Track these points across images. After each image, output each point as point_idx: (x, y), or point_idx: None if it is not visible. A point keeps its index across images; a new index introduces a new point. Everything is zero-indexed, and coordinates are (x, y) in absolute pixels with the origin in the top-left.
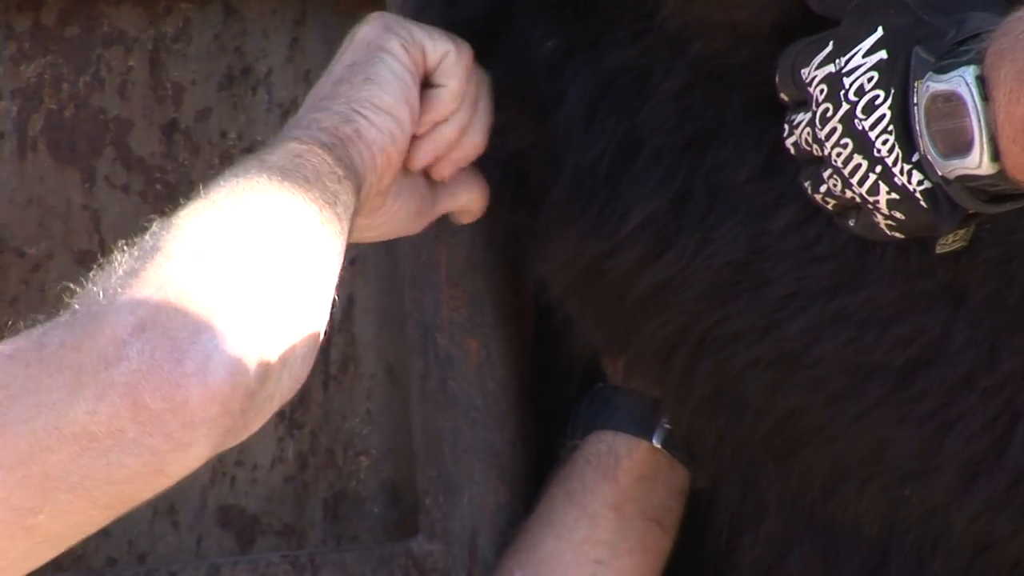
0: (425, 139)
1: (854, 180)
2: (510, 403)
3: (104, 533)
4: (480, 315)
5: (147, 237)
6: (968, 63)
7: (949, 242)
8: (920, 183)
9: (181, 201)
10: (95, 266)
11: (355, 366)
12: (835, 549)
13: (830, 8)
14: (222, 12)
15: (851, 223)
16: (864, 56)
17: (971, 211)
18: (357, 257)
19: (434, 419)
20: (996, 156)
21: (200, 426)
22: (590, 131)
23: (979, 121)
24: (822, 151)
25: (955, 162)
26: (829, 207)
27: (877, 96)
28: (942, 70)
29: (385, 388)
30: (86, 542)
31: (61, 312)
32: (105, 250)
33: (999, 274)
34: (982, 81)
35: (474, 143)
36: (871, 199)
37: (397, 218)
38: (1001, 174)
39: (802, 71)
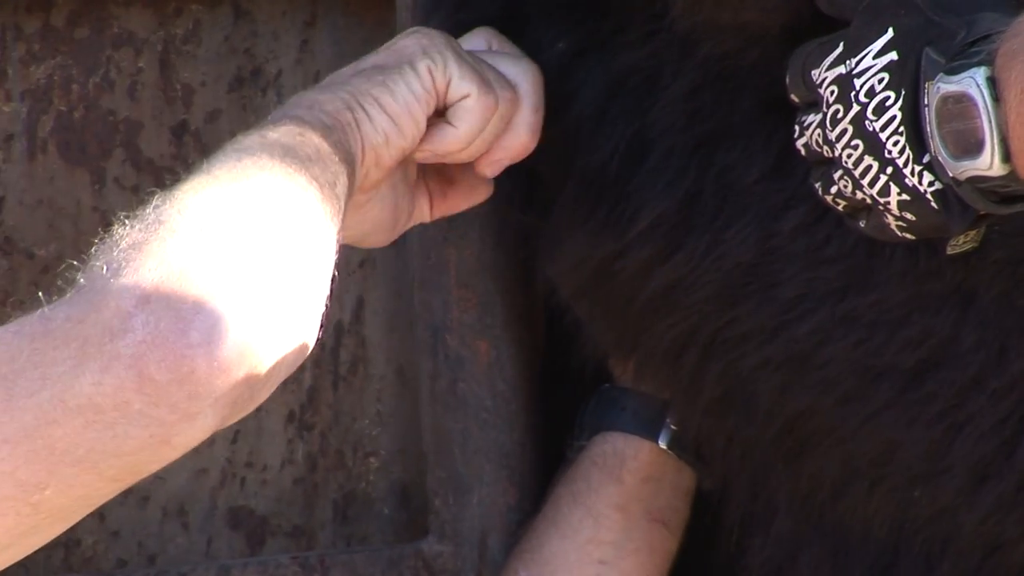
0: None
1: (865, 181)
2: (520, 404)
3: (114, 534)
4: (490, 316)
5: (149, 210)
6: (979, 64)
7: (959, 243)
8: (931, 184)
9: (182, 175)
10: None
11: (365, 367)
12: (845, 550)
13: (840, 9)
14: (232, 14)
15: (861, 224)
16: (875, 57)
17: (982, 212)
18: (367, 259)
19: (444, 420)
20: (1007, 157)
21: (206, 397)
22: (600, 132)
23: (990, 122)
24: (832, 152)
25: (966, 163)
26: (839, 208)
27: (888, 97)
28: (953, 71)
29: (395, 389)
30: (96, 544)
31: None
32: None
33: (1009, 275)
34: (993, 82)
35: (521, 142)
36: (882, 200)
37: (369, 223)
38: (1012, 175)
39: (812, 72)
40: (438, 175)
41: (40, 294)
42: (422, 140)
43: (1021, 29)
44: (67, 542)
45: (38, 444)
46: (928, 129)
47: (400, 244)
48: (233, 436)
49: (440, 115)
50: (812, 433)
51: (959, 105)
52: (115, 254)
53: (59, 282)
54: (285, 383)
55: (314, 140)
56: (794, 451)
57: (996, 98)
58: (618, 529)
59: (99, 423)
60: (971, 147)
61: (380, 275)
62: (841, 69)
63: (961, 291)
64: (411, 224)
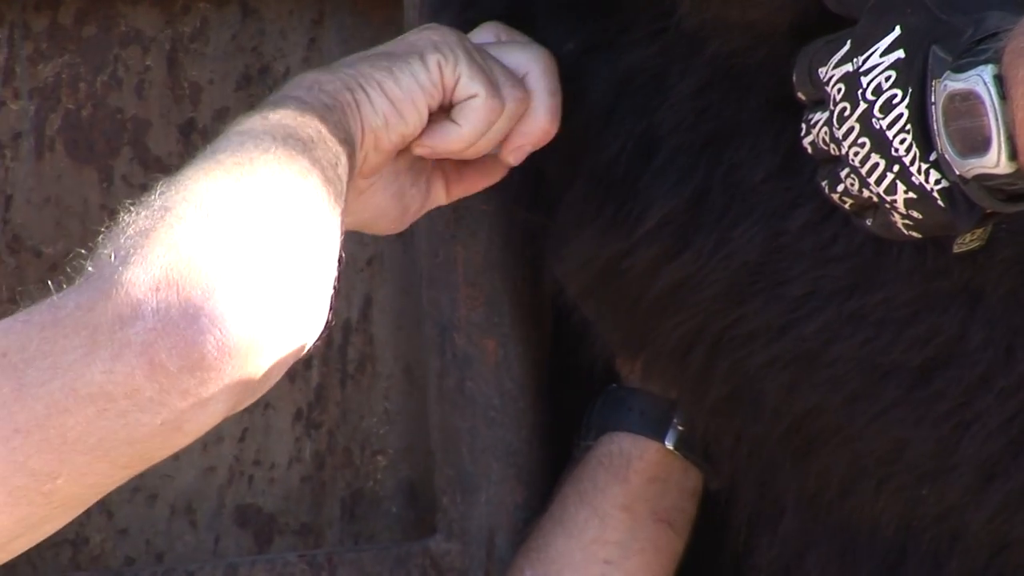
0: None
1: (871, 179)
2: (528, 403)
3: (122, 532)
4: (497, 315)
5: (154, 197)
6: (986, 62)
7: (966, 241)
8: (938, 182)
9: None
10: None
11: (373, 366)
12: (852, 549)
13: (847, 7)
14: (240, 12)
15: (868, 223)
16: (881, 55)
17: (988, 210)
18: (374, 257)
19: (451, 418)
20: (1014, 155)
21: (217, 383)
22: (607, 131)
23: (997, 120)
24: (839, 150)
25: (973, 161)
26: (846, 207)
27: (895, 95)
28: (960, 69)
29: (403, 387)
30: (104, 541)
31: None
32: None
33: (1016, 274)
34: (1000, 80)
35: (541, 127)
36: (888, 198)
37: (372, 211)
38: (1019, 173)
39: (819, 70)
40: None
41: (51, 287)
42: (423, 134)
43: None
44: (75, 540)
45: (50, 433)
46: (935, 127)
47: (408, 242)
48: (241, 434)
49: (445, 112)
50: (819, 432)
51: (966, 103)
52: (122, 241)
53: (66, 281)
54: (293, 381)
55: (315, 121)
56: (801, 450)
57: (1003, 96)
58: (623, 529)
59: (111, 411)
60: (978, 145)
61: (388, 273)
62: (848, 67)
63: (969, 289)
64: (426, 209)
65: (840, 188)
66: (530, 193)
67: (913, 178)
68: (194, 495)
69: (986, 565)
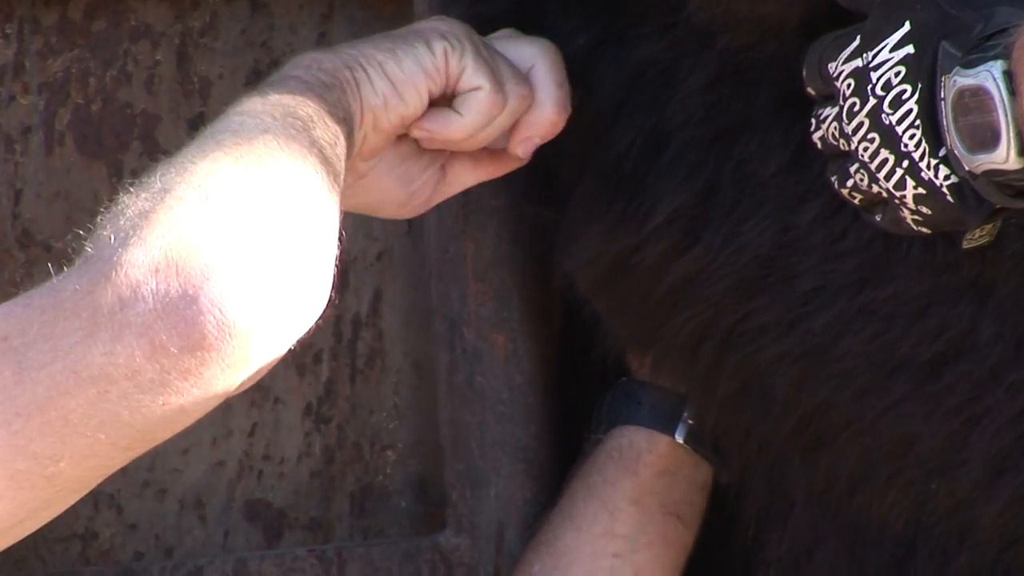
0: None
1: (881, 175)
2: (537, 397)
3: (131, 527)
4: (507, 309)
5: (154, 179)
6: (995, 58)
7: (975, 237)
8: (947, 178)
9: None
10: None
11: (382, 360)
12: (862, 543)
13: (857, 3)
14: (249, 7)
15: (877, 218)
16: (891, 51)
17: (998, 206)
18: (384, 252)
19: (461, 413)
20: (1023, 151)
21: (218, 363)
22: (617, 126)
23: (1006, 116)
24: (849, 145)
25: (982, 157)
26: (856, 202)
27: (904, 91)
28: (969, 65)
29: (412, 382)
30: (113, 536)
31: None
32: None
33: None
34: (1009, 76)
35: (548, 118)
36: (898, 194)
37: (376, 194)
38: None
39: (829, 65)
40: None
41: (51, 270)
42: (423, 118)
43: None
44: (84, 535)
45: (52, 416)
46: (944, 123)
47: (418, 237)
48: (250, 429)
49: (447, 101)
50: (829, 426)
51: (975, 99)
52: (122, 223)
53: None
54: (302, 376)
55: (313, 99)
56: (811, 444)
57: (1012, 92)
58: (633, 523)
59: (112, 393)
60: (987, 141)
61: (397, 268)
62: (858, 62)
63: (978, 284)
64: (440, 197)
65: (849, 183)
66: (540, 188)
67: (922, 174)
68: (203, 490)
69: (996, 560)
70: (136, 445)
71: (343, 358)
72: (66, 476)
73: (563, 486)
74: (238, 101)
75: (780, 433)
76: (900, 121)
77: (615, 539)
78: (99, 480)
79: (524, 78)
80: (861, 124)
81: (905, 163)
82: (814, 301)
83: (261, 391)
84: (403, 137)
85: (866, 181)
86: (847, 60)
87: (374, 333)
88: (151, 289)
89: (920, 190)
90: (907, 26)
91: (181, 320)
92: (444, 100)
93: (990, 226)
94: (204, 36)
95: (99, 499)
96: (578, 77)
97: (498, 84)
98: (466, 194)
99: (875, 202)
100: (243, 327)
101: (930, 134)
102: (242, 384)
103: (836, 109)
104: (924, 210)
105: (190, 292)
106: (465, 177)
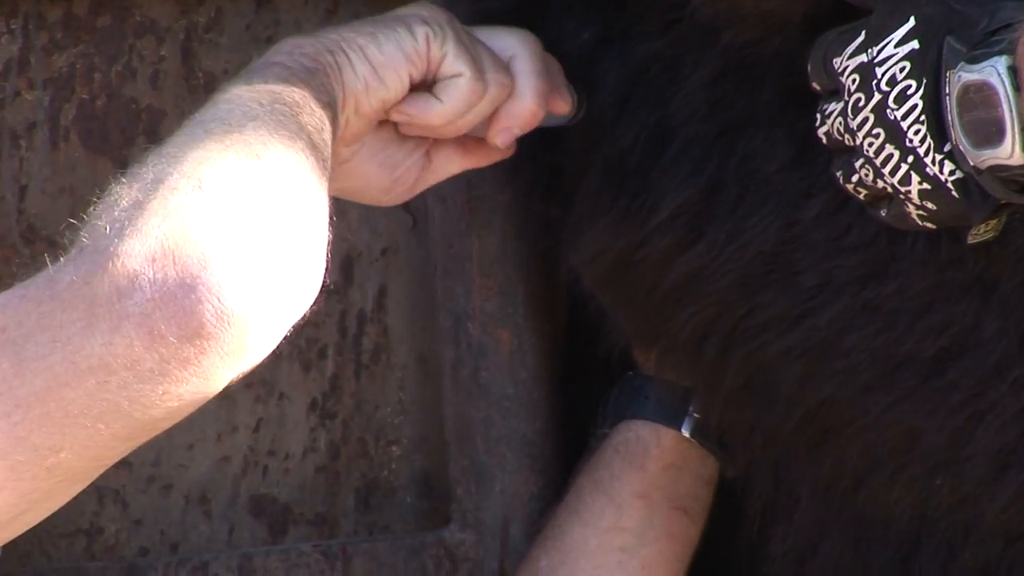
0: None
1: (886, 170)
2: (542, 392)
3: (136, 523)
4: (512, 305)
5: (145, 169)
6: (1000, 53)
7: (980, 232)
8: (952, 173)
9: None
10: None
11: (387, 356)
12: (866, 538)
13: None
14: (254, 2)
15: (882, 213)
16: (896, 46)
17: (1002, 201)
18: (389, 248)
19: (466, 409)
20: None
21: (216, 351)
22: (621, 121)
23: (1011, 111)
24: (854, 141)
25: (987, 152)
26: (860, 197)
27: (909, 86)
28: (974, 60)
29: (417, 378)
30: (118, 532)
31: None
32: None
33: None
34: (1014, 71)
35: (527, 108)
36: (903, 189)
37: (359, 179)
38: None
39: (834, 61)
40: None
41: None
42: (403, 102)
43: None
44: (89, 530)
45: (51, 407)
46: (949, 118)
47: (423, 232)
48: (255, 424)
49: (428, 88)
50: (834, 422)
51: (980, 94)
52: (116, 214)
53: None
54: (307, 371)
55: (298, 84)
56: (816, 440)
57: (1017, 87)
58: (640, 517)
59: (111, 383)
60: (992, 136)
61: (402, 263)
62: (862, 57)
63: (983, 280)
64: (425, 184)
65: (854, 178)
66: (544, 184)
67: (927, 169)
68: (208, 485)
69: (1000, 555)
70: (136, 435)
71: (348, 353)
72: (66, 467)
73: (569, 481)
74: (223, 88)
75: (785, 428)
76: (905, 116)
77: (622, 533)
78: (100, 471)
79: (505, 67)
80: (866, 119)
81: (910, 158)
82: (818, 297)
83: (266, 386)
84: (385, 123)
85: (871, 176)
86: (852, 55)
87: (379, 329)
88: (148, 278)
89: (925, 185)
90: (912, 21)
91: (179, 308)
92: (424, 87)
93: (995, 221)
94: (209, 32)
95: (104, 494)
96: (582, 73)
97: (479, 71)
98: (471, 190)
99: (880, 197)
100: (241, 314)
101: (935, 129)
102: (240, 371)
103: (841, 104)
104: (929, 205)
105: (187, 280)
106: (450, 164)
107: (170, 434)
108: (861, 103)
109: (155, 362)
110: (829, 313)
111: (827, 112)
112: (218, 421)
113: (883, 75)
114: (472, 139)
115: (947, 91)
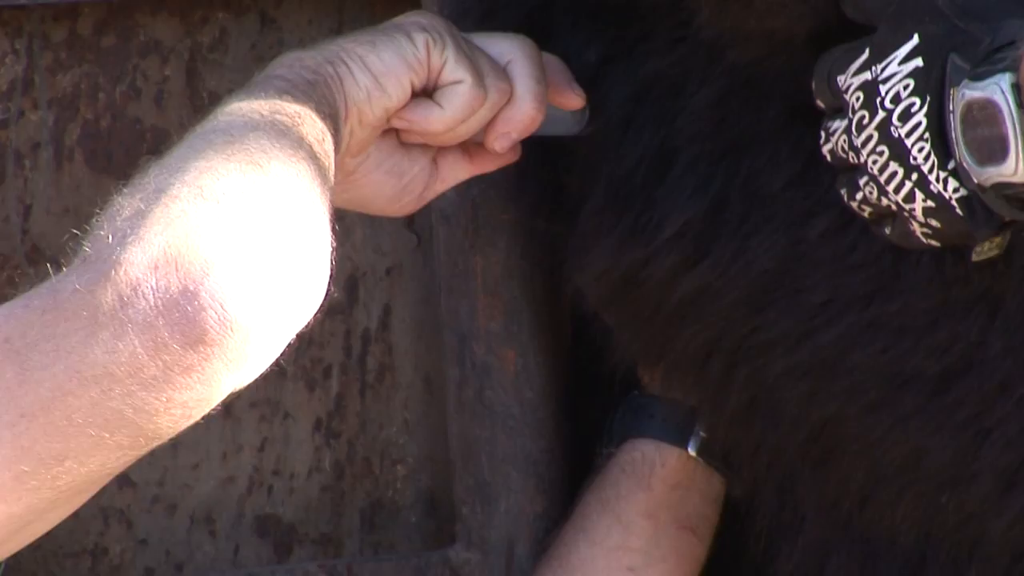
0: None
1: (890, 188)
2: (547, 412)
3: (142, 543)
4: (516, 324)
5: (147, 179)
6: (1003, 71)
7: (984, 250)
8: (956, 191)
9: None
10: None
11: (392, 375)
12: (872, 557)
13: (866, 15)
14: (258, 22)
15: (887, 231)
16: (900, 64)
17: (1007, 219)
18: (394, 267)
19: (471, 428)
20: None
21: (220, 358)
22: (626, 140)
23: (1015, 129)
24: (858, 159)
25: (991, 170)
26: (865, 215)
27: (913, 104)
28: (977, 77)
29: (422, 397)
30: (124, 552)
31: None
32: None
33: None
34: (1018, 89)
35: (525, 113)
36: (907, 207)
37: (367, 190)
38: None
39: (838, 78)
40: None
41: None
42: (404, 109)
43: None
44: (95, 550)
45: (56, 416)
46: (953, 135)
47: (427, 252)
48: (260, 444)
49: (428, 95)
50: (839, 440)
51: (984, 111)
52: (119, 223)
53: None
54: (312, 390)
55: (300, 96)
56: (821, 458)
57: (1021, 104)
58: (647, 536)
59: (115, 391)
60: (996, 154)
61: (407, 283)
62: (867, 75)
63: (987, 297)
64: (433, 193)
65: (859, 196)
66: (549, 203)
67: (931, 187)
68: (214, 505)
69: (1006, 572)
70: (141, 443)
71: (353, 373)
72: (71, 476)
73: (576, 500)
74: (224, 101)
75: (790, 447)
76: (909, 134)
77: (629, 553)
78: (105, 480)
79: (503, 73)
80: (870, 137)
81: (914, 176)
82: (823, 315)
83: (271, 406)
84: (390, 131)
85: (875, 194)
86: (856, 73)
87: (384, 348)
88: (151, 286)
89: (929, 203)
90: (916, 39)
91: (182, 316)
92: (425, 95)
93: (999, 239)
94: (213, 51)
95: (109, 514)
96: (588, 91)
97: (479, 78)
98: (476, 209)
99: (884, 215)
100: (244, 321)
101: (939, 147)
102: (244, 380)
103: (845, 122)
104: (933, 223)
105: (190, 288)
106: (457, 171)
107: (175, 454)
108: (865, 121)
109: (158, 369)
110: (834, 331)
111: (831, 130)
112: (223, 441)
113: (887, 93)
114: (476, 145)
115: (951, 108)
